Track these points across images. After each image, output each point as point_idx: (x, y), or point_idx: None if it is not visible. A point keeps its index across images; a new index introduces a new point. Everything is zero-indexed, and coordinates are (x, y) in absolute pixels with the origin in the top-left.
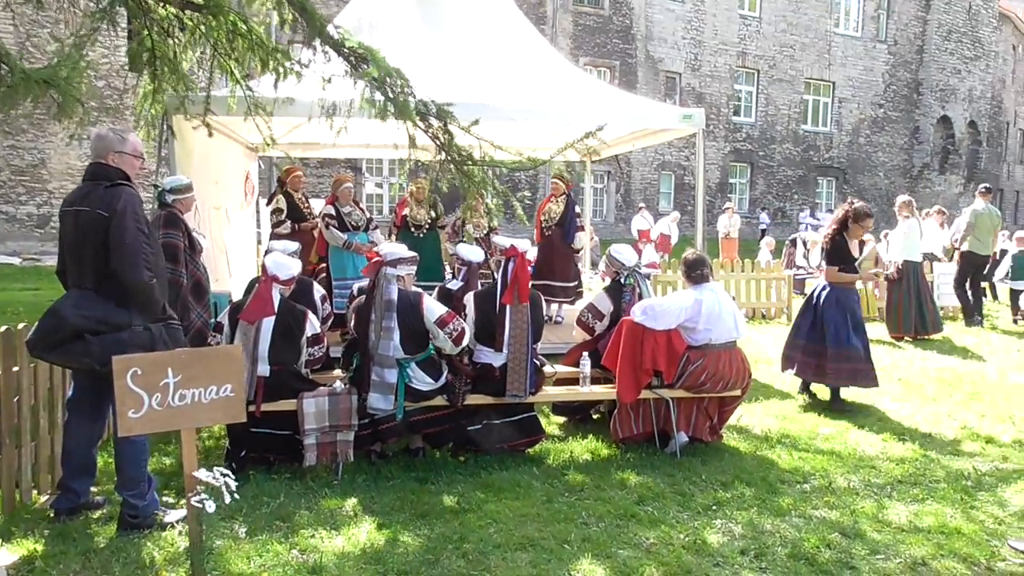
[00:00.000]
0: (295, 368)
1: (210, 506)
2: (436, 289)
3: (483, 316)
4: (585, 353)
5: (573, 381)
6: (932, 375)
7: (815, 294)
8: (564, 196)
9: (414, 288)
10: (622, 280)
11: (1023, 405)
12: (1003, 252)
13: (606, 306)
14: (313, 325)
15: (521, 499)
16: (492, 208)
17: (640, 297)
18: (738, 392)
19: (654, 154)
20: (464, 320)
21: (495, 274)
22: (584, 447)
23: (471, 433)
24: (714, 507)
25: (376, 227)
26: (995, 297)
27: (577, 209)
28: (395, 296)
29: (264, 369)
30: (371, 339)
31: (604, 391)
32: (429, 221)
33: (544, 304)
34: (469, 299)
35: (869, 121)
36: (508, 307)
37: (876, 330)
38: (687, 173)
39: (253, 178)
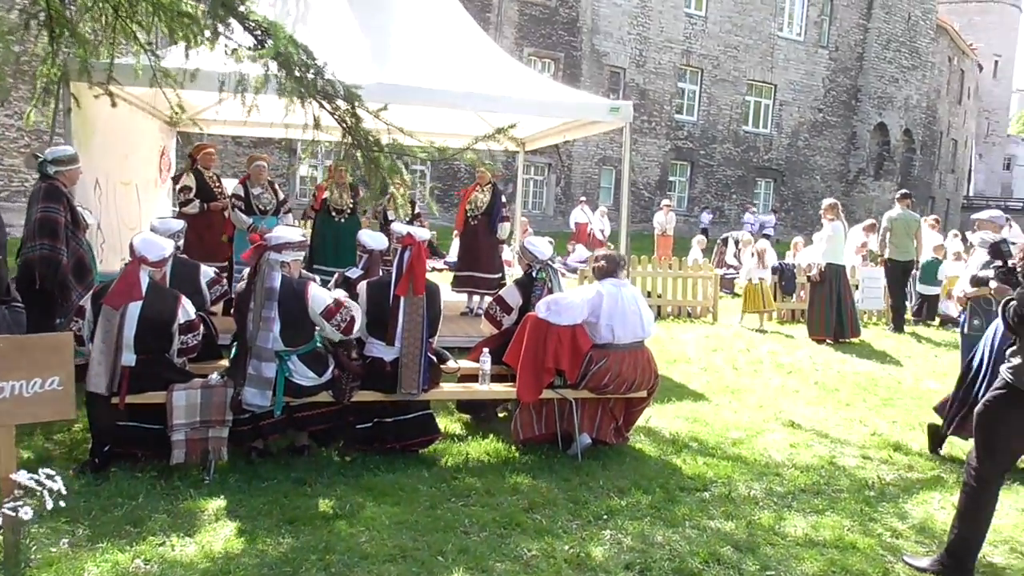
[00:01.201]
0: (166, 357)
1: (26, 513)
2: (335, 276)
3: (375, 307)
4: (486, 350)
5: (477, 378)
6: (849, 379)
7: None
8: (490, 185)
9: (304, 274)
10: (534, 274)
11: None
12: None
13: (515, 300)
14: (187, 311)
15: (402, 504)
16: (399, 197)
17: (551, 293)
18: (644, 394)
19: (595, 148)
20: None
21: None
22: (482, 448)
23: (361, 431)
24: (606, 516)
25: (288, 211)
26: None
27: (503, 199)
28: (277, 284)
29: (129, 358)
30: (249, 329)
31: (503, 390)
32: (350, 206)
33: (466, 296)
34: (362, 288)
35: (808, 125)
36: (402, 299)
37: (797, 330)
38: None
39: (170, 154)
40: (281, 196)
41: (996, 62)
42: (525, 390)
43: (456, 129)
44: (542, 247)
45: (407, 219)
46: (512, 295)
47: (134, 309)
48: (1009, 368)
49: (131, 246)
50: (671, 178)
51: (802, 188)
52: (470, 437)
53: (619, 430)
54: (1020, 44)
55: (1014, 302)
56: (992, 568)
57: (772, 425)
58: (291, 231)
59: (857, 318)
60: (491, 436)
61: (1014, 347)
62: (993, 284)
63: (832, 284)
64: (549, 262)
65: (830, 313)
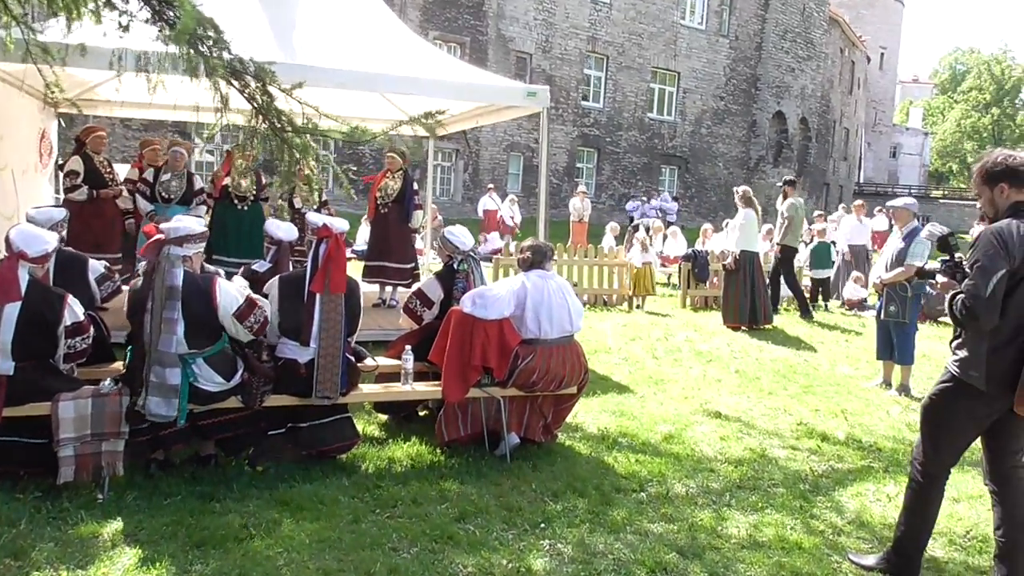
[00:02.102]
0: (51, 364)
1: None
2: (240, 270)
3: (288, 305)
4: (408, 347)
5: (397, 376)
6: (767, 366)
7: None
8: (401, 172)
9: (208, 268)
10: (455, 265)
11: (852, 398)
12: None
13: (436, 293)
14: (74, 311)
15: (323, 519)
16: (313, 179)
17: (473, 285)
18: (573, 390)
19: (503, 134)
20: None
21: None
22: (405, 451)
23: (273, 438)
24: (542, 524)
25: (203, 202)
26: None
27: (415, 187)
28: (180, 281)
29: (7, 366)
30: (147, 333)
31: (428, 389)
32: (253, 192)
33: (379, 287)
34: (273, 285)
35: (711, 112)
36: (318, 296)
37: (711, 317)
38: (535, 155)
39: (51, 137)
40: (197, 186)
41: (882, 54)
42: (451, 389)
43: (363, 114)
44: (463, 237)
45: (315, 207)
46: (433, 288)
47: (11, 311)
48: (955, 361)
49: (7, 240)
50: (578, 165)
51: (705, 175)
52: (391, 440)
53: (548, 428)
54: (903, 37)
55: (961, 295)
56: (934, 562)
57: (699, 417)
58: (191, 221)
59: (770, 305)
60: (413, 438)
61: (959, 340)
62: (940, 278)
63: (746, 271)
64: (471, 253)
65: (744, 300)
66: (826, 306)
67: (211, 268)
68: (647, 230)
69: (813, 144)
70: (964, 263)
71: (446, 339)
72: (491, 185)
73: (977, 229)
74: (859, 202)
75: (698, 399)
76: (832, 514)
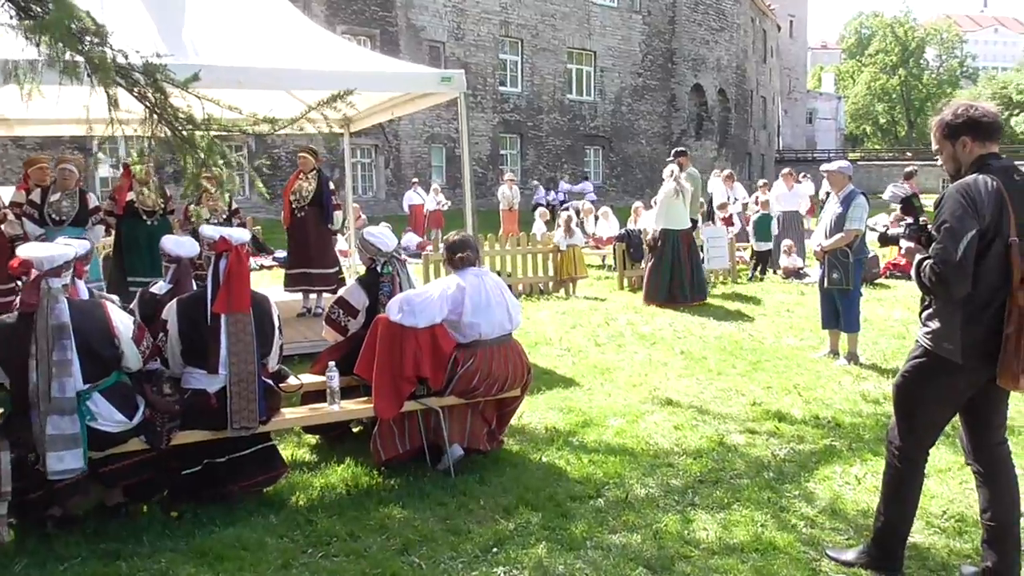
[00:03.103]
0: None
1: None
2: (139, 294)
3: (191, 329)
4: (332, 363)
5: (324, 394)
6: (712, 344)
7: None
8: (315, 172)
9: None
10: (379, 268)
11: (803, 371)
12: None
13: (360, 300)
14: None
15: (248, 568)
16: (224, 181)
17: (400, 288)
18: (517, 392)
19: (423, 126)
20: (166, 336)
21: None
22: (339, 476)
23: (188, 478)
24: (495, 547)
25: (101, 221)
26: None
27: (332, 186)
28: (67, 317)
29: None
30: (34, 381)
31: (358, 408)
32: (161, 205)
33: (303, 296)
34: (170, 309)
35: (630, 90)
36: (223, 317)
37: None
38: (458, 145)
39: None
40: (92, 204)
41: (791, 22)
42: (383, 405)
43: (266, 112)
44: (384, 237)
45: (224, 216)
46: (356, 295)
47: None
48: (927, 333)
49: None
50: (502, 151)
51: (630, 153)
52: (323, 464)
53: (492, 434)
54: (810, 4)
55: (929, 261)
56: (915, 549)
57: (650, 406)
58: (54, 246)
59: (703, 281)
60: (347, 459)
61: (929, 310)
62: (904, 243)
63: (665, 249)
64: (395, 254)
65: (662, 279)
66: (762, 276)
67: (98, 293)
68: (577, 212)
69: (733, 115)
70: (930, 226)
71: (373, 350)
72: (415, 179)
73: (890, 191)
74: (787, 170)
75: (647, 386)
76: (803, 504)
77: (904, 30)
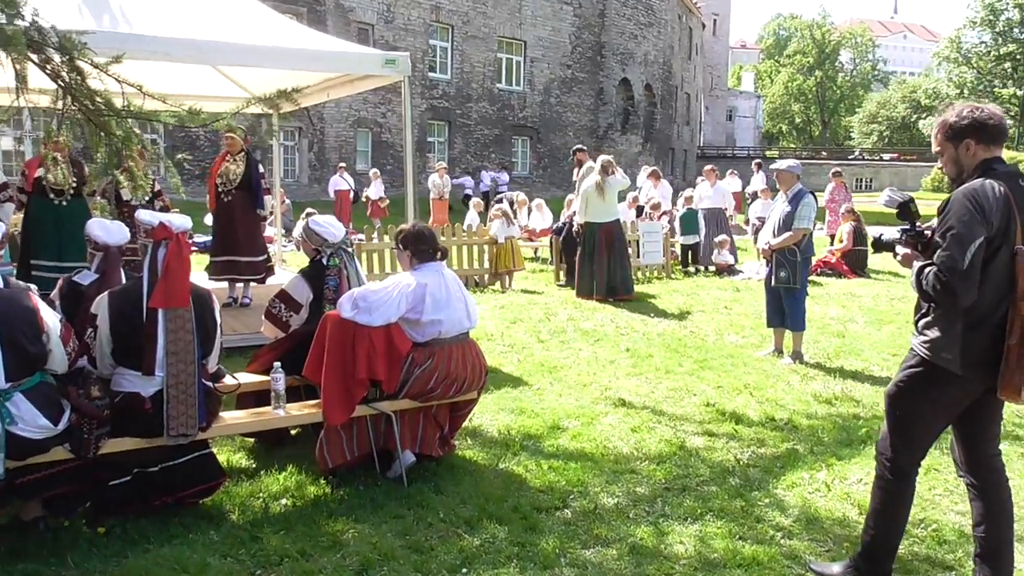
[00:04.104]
0: None
1: None
2: (59, 284)
3: (123, 326)
4: (277, 363)
5: (264, 394)
6: (655, 341)
7: None
8: (243, 154)
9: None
10: (325, 260)
11: (750, 370)
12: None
13: (303, 294)
14: None
15: None
16: (137, 174)
17: (349, 283)
18: (474, 394)
19: (348, 110)
20: (95, 332)
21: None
22: (282, 485)
23: (116, 490)
24: (463, 566)
25: (10, 198)
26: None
27: (261, 169)
28: None
29: None
30: None
31: (306, 412)
32: (73, 184)
33: (228, 285)
34: (101, 303)
35: (559, 81)
36: (160, 313)
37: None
38: (384, 130)
39: None
40: (0, 180)
41: (715, 20)
42: (333, 410)
43: (196, 91)
44: (333, 227)
45: (145, 199)
46: (299, 289)
47: None
48: (924, 342)
49: None
50: (429, 139)
51: (557, 145)
52: (263, 471)
53: (445, 439)
54: (733, 3)
55: (933, 268)
56: (899, 561)
57: (603, 407)
58: None
59: (629, 277)
60: (290, 467)
61: (927, 318)
62: (900, 250)
63: (587, 242)
64: (343, 245)
65: (584, 272)
66: (696, 270)
67: (15, 283)
68: (511, 203)
69: (658, 110)
70: (925, 232)
71: (322, 351)
72: (341, 164)
73: (887, 195)
74: (709, 167)
75: (597, 386)
76: (776, 514)
77: (821, 33)
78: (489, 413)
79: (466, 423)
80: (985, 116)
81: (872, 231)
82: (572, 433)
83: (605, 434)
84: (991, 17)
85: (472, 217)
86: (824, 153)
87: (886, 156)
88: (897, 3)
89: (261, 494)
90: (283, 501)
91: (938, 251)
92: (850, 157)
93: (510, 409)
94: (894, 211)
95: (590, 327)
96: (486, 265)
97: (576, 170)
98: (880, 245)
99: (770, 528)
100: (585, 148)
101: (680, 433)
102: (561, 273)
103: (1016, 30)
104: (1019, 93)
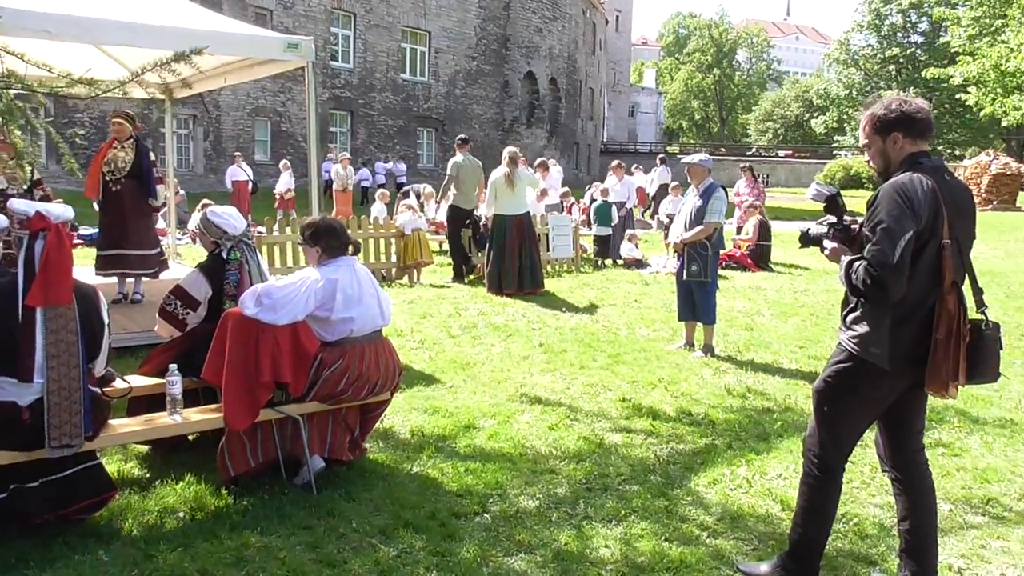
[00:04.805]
0: None
1: None
2: None
3: None
4: (173, 365)
5: (159, 398)
6: (568, 336)
7: None
8: (132, 141)
9: None
10: (224, 254)
11: (664, 364)
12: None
13: (201, 290)
14: None
15: None
16: (23, 152)
17: (251, 278)
18: (387, 395)
19: (246, 97)
20: None
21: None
22: (179, 496)
23: None
24: None
25: None
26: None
27: (152, 156)
28: None
29: None
30: None
31: (205, 418)
32: None
33: (117, 280)
34: None
35: (464, 73)
36: (39, 312)
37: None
38: (284, 119)
39: None
40: None
41: (617, 16)
42: (235, 415)
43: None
44: (233, 219)
45: (25, 186)
46: (197, 284)
47: None
48: (852, 337)
49: None
50: (332, 129)
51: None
52: (158, 482)
53: (356, 442)
54: (636, 0)
55: (863, 263)
56: (824, 557)
57: (518, 404)
58: None
59: (538, 270)
60: (188, 476)
61: (855, 313)
62: (828, 244)
63: (494, 235)
64: (244, 238)
65: (494, 266)
66: (604, 264)
67: None
68: (417, 196)
69: (563, 104)
70: (855, 225)
71: (223, 351)
72: (238, 153)
73: (814, 189)
74: (616, 163)
75: (511, 382)
76: (700, 512)
77: (719, 32)
78: (401, 413)
79: (378, 424)
80: (913, 110)
81: (776, 225)
82: (488, 432)
83: (522, 433)
84: (877, 21)
85: (379, 209)
86: (723, 149)
87: (781, 153)
88: (790, 5)
89: (156, 507)
90: (180, 514)
91: (868, 245)
92: (748, 153)
93: (423, 409)
94: (821, 205)
95: (502, 322)
96: (393, 259)
97: (469, 159)
98: (807, 239)
99: (695, 528)
100: (467, 139)
101: (598, 430)
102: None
103: (899, 34)
104: (902, 95)
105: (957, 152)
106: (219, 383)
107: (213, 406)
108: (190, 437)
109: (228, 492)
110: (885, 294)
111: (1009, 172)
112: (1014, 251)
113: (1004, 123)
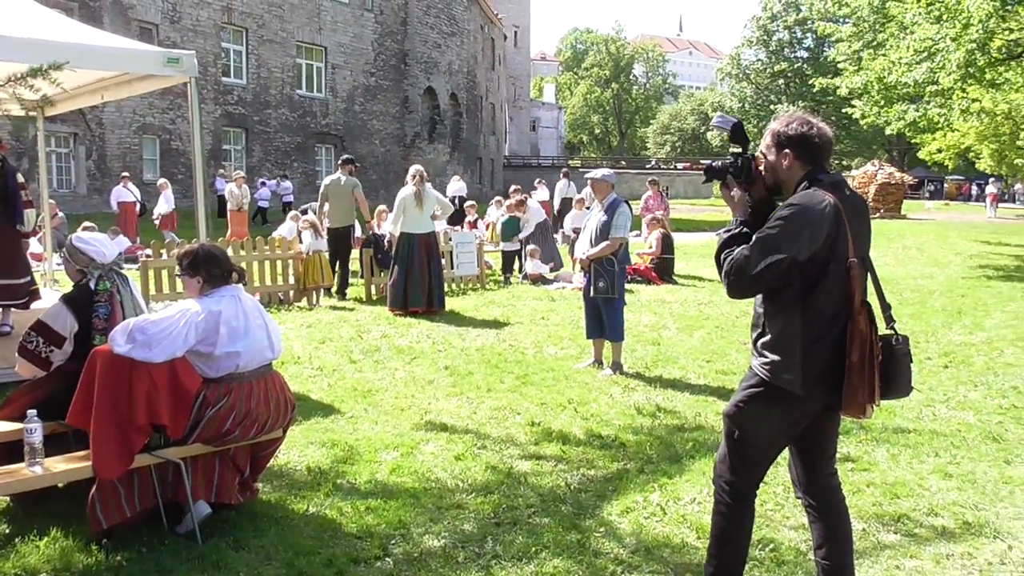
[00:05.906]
0: None
1: None
2: None
3: None
4: (32, 411)
5: (18, 445)
6: (475, 357)
7: None
8: None
9: None
10: (92, 284)
11: (572, 384)
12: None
13: (66, 324)
14: None
15: None
16: None
17: (123, 310)
18: (279, 432)
19: (132, 114)
20: None
21: None
22: (43, 555)
23: None
24: None
25: None
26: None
27: (21, 178)
28: None
29: None
30: None
31: (71, 468)
32: None
33: None
34: None
35: (363, 89)
36: None
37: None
38: (174, 137)
39: None
40: None
41: (516, 32)
42: (106, 463)
43: None
44: (101, 245)
45: None
46: (61, 318)
47: None
48: (763, 364)
49: None
50: (225, 146)
51: (363, 153)
52: (18, 538)
53: (246, 483)
54: (533, 16)
55: (733, 256)
56: None
57: (423, 433)
58: None
59: (441, 289)
60: (53, 529)
61: (766, 338)
62: (735, 192)
63: (403, 254)
64: (115, 266)
65: (398, 284)
66: (508, 279)
67: None
68: (315, 213)
69: (464, 119)
70: (757, 161)
71: (91, 393)
72: (125, 173)
73: (718, 117)
74: (515, 187)
75: (415, 409)
76: (613, 544)
77: (616, 47)
78: (297, 448)
79: (271, 462)
80: (813, 133)
81: (678, 237)
82: (391, 466)
83: (427, 464)
84: (765, 37)
85: (289, 229)
86: (624, 163)
87: (680, 165)
88: (682, 21)
89: (14, 569)
90: (42, 574)
91: (741, 247)
92: (647, 166)
93: (320, 442)
94: (726, 132)
95: (406, 344)
96: (291, 281)
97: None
98: (712, 172)
99: (609, 562)
100: (352, 159)
101: (506, 458)
102: (373, 287)
103: (786, 50)
104: (799, 109)
105: (844, 162)
106: (87, 427)
107: (81, 453)
108: (60, 485)
109: (99, 548)
110: (729, 292)
111: (893, 181)
112: (903, 258)
113: (888, 131)
